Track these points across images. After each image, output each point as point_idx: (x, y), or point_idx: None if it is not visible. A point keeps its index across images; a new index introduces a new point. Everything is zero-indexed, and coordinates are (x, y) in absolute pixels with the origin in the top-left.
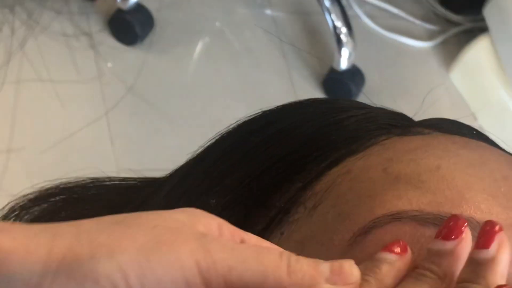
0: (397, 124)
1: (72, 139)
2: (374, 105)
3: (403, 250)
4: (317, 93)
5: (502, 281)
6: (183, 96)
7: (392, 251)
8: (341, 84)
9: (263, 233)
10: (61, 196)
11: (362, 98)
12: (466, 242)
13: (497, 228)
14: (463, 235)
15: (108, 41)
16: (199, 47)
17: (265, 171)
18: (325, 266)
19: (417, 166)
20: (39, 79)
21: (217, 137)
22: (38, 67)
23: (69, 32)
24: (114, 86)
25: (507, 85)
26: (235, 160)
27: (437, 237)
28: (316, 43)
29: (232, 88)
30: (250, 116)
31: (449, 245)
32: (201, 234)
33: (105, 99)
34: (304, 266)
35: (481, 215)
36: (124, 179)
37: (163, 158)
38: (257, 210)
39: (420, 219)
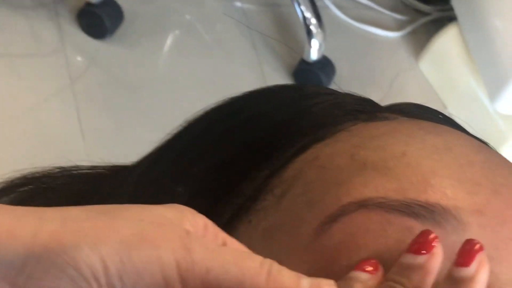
0: (364, 110)
1: (42, 133)
2: (342, 91)
3: (375, 269)
4: None
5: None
6: (154, 89)
7: (364, 270)
8: (311, 74)
9: (231, 221)
10: (29, 186)
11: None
12: (436, 257)
13: (477, 247)
14: (434, 250)
15: (77, 35)
16: (169, 40)
17: (233, 159)
18: (306, 282)
19: (383, 152)
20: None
21: (184, 125)
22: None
23: (37, 25)
24: (84, 80)
25: (475, 73)
26: (202, 148)
27: (408, 251)
28: (286, 35)
29: (203, 80)
30: (218, 103)
31: (419, 259)
32: (185, 232)
33: (75, 94)
34: (285, 278)
35: (447, 201)
36: (92, 167)
37: (134, 151)
38: (225, 198)
39: (386, 206)
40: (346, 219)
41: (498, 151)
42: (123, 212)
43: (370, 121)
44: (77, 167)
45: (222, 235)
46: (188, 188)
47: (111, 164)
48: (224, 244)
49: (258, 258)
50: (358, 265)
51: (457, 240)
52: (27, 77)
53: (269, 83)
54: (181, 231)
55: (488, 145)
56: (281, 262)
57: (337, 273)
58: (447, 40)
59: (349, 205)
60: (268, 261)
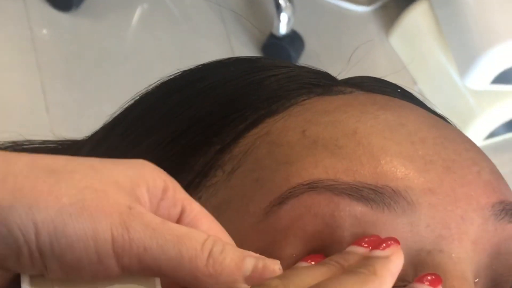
0: (319, 83)
1: (6, 106)
2: (298, 64)
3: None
4: None
5: (391, 279)
6: (120, 62)
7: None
8: (280, 49)
9: None
10: None
11: (301, 63)
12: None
13: (394, 239)
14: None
15: (42, 7)
16: (137, 13)
17: (183, 132)
18: (249, 263)
19: (334, 129)
20: None
21: (135, 98)
22: None
23: None
24: (49, 52)
25: (445, 49)
26: (153, 122)
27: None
28: (255, 9)
29: (170, 55)
30: (170, 76)
31: (361, 250)
32: (127, 207)
33: (40, 66)
34: (227, 259)
35: (397, 182)
36: (43, 142)
37: (99, 125)
38: (174, 174)
39: (335, 189)
40: (294, 201)
41: (467, 126)
42: (71, 174)
43: (325, 95)
44: (30, 142)
45: (183, 199)
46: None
47: (63, 139)
48: (183, 210)
49: (201, 238)
50: (305, 259)
51: (407, 222)
52: None
53: None
54: (124, 205)
55: (446, 120)
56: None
57: (283, 258)
58: (418, 15)
59: (298, 186)
60: (210, 241)
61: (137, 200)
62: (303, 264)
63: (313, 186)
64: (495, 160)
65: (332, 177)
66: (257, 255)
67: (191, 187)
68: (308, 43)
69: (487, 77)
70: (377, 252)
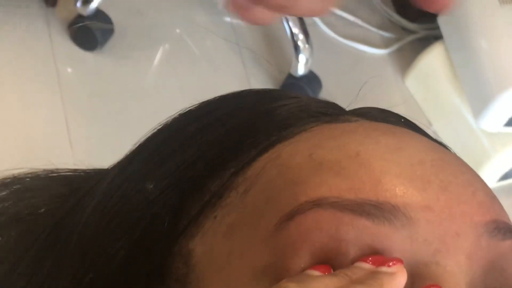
0: (326, 112)
1: (31, 141)
2: (307, 96)
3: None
4: None
5: None
6: (142, 101)
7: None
8: (298, 89)
9: (198, 217)
10: (9, 188)
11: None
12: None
13: (400, 260)
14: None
15: (68, 46)
16: (159, 53)
17: (201, 157)
18: None
19: (339, 152)
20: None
21: (157, 127)
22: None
23: (28, 35)
24: (73, 90)
25: (460, 91)
26: (173, 148)
27: (362, 260)
28: (274, 50)
29: (190, 93)
30: (189, 107)
31: (367, 266)
32: None
33: (64, 103)
34: None
35: (396, 199)
36: (72, 170)
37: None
38: (192, 195)
39: (339, 205)
40: (301, 217)
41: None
42: None
43: (332, 123)
44: (57, 170)
45: None
46: (158, 184)
47: (90, 168)
48: None
49: None
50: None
51: (406, 235)
52: (17, 86)
53: None
54: None
55: (445, 147)
56: (242, 256)
57: (293, 270)
58: (433, 58)
59: (305, 204)
60: None
61: None
62: (312, 272)
63: (318, 203)
64: (508, 201)
65: (335, 195)
66: None
67: (208, 207)
68: (326, 84)
69: (501, 120)
70: (384, 268)
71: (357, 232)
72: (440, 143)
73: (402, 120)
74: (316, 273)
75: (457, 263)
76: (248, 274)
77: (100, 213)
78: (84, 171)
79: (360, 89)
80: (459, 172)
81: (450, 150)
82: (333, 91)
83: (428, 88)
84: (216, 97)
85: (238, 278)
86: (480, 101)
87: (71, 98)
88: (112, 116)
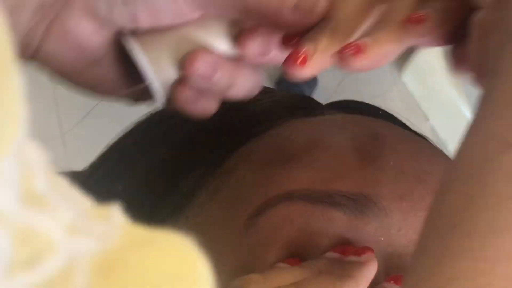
0: (301, 107)
1: None
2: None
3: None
4: None
5: (365, 283)
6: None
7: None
8: (293, 85)
9: (169, 218)
10: None
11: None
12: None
13: (369, 248)
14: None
15: None
16: None
17: (171, 157)
18: None
19: (310, 145)
20: None
21: (129, 128)
22: None
23: None
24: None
25: (457, 85)
26: (143, 149)
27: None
28: None
29: None
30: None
31: (337, 256)
32: None
33: (56, 100)
34: None
35: (369, 190)
36: None
37: None
38: (163, 196)
39: (310, 198)
40: (271, 211)
41: None
42: None
43: (306, 117)
44: None
45: None
46: (129, 186)
47: (65, 170)
48: None
49: None
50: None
51: (379, 226)
52: None
53: None
54: None
55: (426, 139)
56: (214, 257)
57: (265, 267)
58: (430, 53)
59: (274, 198)
60: None
61: None
62: (282, 265)
63: (288, 197)
64: None
65: (306, 187)
66: None
67: (179, 207)
68: (322, 80)
69: None
70: (353, 258)
71: (328, 224)
72: (419, 135)
73: (380, 112)
74: (286, 265)
75: None
76: (220, 276)
77: None
78: (65, 173)
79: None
80: (435, 162)
81: (428, 141)
82: (329, 87)
83: (425, 83)
84: None
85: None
86: (477, 95)
87: (63, 94)
88: (105, 112)
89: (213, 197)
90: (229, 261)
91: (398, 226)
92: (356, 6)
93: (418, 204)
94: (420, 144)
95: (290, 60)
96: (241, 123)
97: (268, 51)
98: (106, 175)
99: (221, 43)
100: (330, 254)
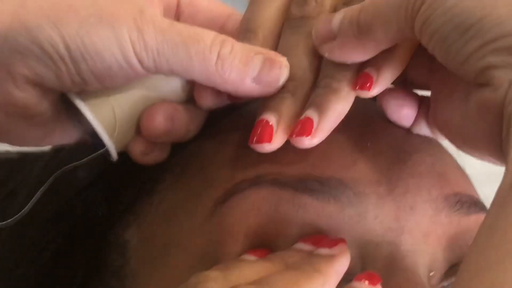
0: None
1: None
2: None
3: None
4: None
5: (336, 278)
6: None
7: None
8: None
9: (134, 203)
10: None
11: None
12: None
13: (341, 240)
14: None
15: None
16: None
17: None
18: (257, 61)
19: None
20: None
21: None
22: None
23: None
24: None
25: None
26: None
27: (302, 241)
28: None
29: None
30: None
31: (307, 247)
32: (139, 11)
33: None
34: (236, 60)
35: (343, 173)
36: (14, 153)
37: None
38: (127, 181)
39: (279, 182)
40: (239, 197)
41: None
42: None
43: None
44: (7, 152)
45: None
46: (90, 171)
47: (32, 151)
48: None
49: (208, 39)
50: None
51: (354, 213)
52: None
53: None
54: (136, 9)
55: None
56: (178, 245)
57: (229, 257)
58: None
59: (241, 182)
60: (218, 42)
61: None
62: (247, 257)
63: (256, 182)
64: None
65: (276, 171)
66: (266, 50)
67: (143, 192)
68: None
69: None
70: (323, 250)
71: (299, 211)
72: None
73: None
74: (251, 258)
75: (413, 242)
76: (184, 266)
77: (32, 202)
78: (25, 153)
79: None
80: (417, 142)
81: None
82: None
83: None
84: None
85: (174, 271)
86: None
87: None
88: None
89: (178, 180)
90: (193, 252)
91: (374, 212)
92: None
93: (397, 188)
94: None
95: (256, 139)
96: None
97: (223, 102)
98: (68, 157)
99: (176, 97)
100: (300, 246)
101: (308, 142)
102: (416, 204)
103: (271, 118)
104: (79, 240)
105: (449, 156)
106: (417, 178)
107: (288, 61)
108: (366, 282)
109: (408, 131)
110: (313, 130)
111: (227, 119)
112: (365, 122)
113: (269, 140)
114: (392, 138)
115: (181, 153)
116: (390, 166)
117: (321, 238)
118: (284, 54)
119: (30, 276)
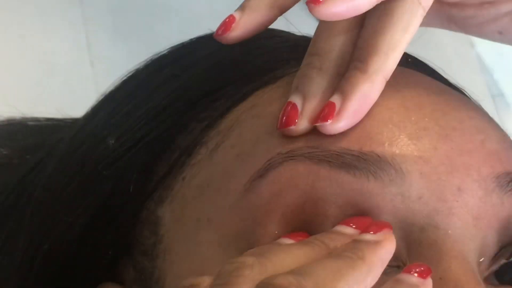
0: None
1: (51, 59)
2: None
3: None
4: None
5: (381, 266)
6: (168, 19)
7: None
8: None
9: (166, 178)
10: None
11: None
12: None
13: (387, 224)
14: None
15: None
16: None
17: (169, 108)
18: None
19: None
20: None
21: (127, 74)
22: None
23: None
24: (95, 6)
25: None
26: (140, 99)
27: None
28: None
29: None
30: (161, 51)
31: (349, 230)
32: None
33: (86, 20)
34: None
35: (383, 149)
36: (48, 119)
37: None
38: (160, 152)
39: (315, 156)
40: (274, 173)
41: None
42: None
43: None
44: (36, 119)
45: None
46: (121, 140)
47: (67, 117)
48: None
49: None
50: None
51: (396, 192)
52: (34, 3)
53: None
54: None
55: (460, 91)
56: (210, 223)
57: (265, 238)
58: None
59: (277, 156)
60: None
61: None
62: (285, 240)
63: (292, 155)
64: None
65: (311, 145)
66: None
67: (176, 166)
68: None
69: None
70: (367, 236)
71: (336, 188)
72: (454, 87)
73: (409, 59)
74: (289, 241)
75: (462, 225)
76: (217, 245)
77: (60, 173)
78: (61, 120)
79: None
80: (466, 118)
81: (464, 94)
82: None
83: None
84: (192, 38)
85: (206, 250)
86: None
87: (92, 15)
88: (136, 34)
89: (212, 154)
90: (226, 230)
91: (418, 192)
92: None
93: (443, 166)
94: (451, 97)
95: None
96: (249, 70)
97: None
98: (99, 128)
99: None
100: (342, 228)
101: (331, 127)
102: (465, 184)
103: (296, 100)
104: (109, 216)
105: (501, 132)
106: (465, 157)
107: (316, 37)
108: (416, 275)
109: (454, 105)
110: (335, 113)
111: (264, 92)
112: (410, 96)
113: (294, 123)
114: (439, 113)
115: (215, 127)
116: (435, 143)
117: (365, 220)
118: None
119: (57, 253)
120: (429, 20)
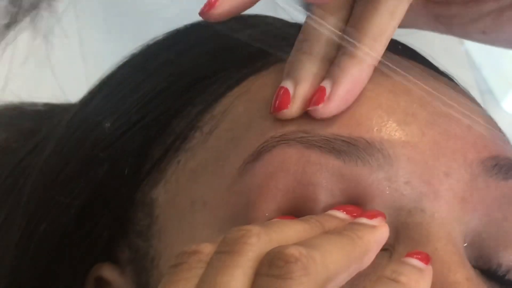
0: None
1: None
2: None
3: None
4: None
5: (376, 249)
6: (160, 13)
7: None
8: None
9: (161, 161)
10: None
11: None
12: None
13: (381, 213)
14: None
15: None
16: None
17: (164, 92)
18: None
19: None
20: None
21: (124, 59)
22: None
23: None
24: (87, 1)
25: None
26: (136, 82)
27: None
28: None
29: None
30: (157, 37)
31: (342, 215)
32: None
33: (77, 16)
34: None
35: (372, 134)
36: (45, 104)
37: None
38: (155, 136)
39: (306, 141)
40: (267, 156)
41: None
42: None
43: None
44: (33, 104)
45: None
46: (117, 124)
47: (63, 103)
48: None
49: None
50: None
51: (384, 177)
52: None
53: None
54: None
55: (450, 78)
56: (205, 205)
57: (257, 219)
58: None
59: (270, 140)
60: None
61: None
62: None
63: (284, 139)
64: None
65: (303, 129)
66: None
67: (171, 150)
68: None
69: None
70: (364, 220)
71: (326, 173)
72: (444, 74)
73: (400, 46)
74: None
75: (448, 208)
76: (211, 226)
77: (57, 156)
78: (58, 105)
79: None
80: (454, 103)
81: (454, 81)
82: None
83: None
84: (187, 24)
85: (201, 231)
86: None
87: (84, 10)
88: (129, 31)
89: (207, 139)
90: (220, 212)
91: (405, 177)
92: None
93: (430, 151)
94: (438, 83)
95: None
96: (243, 56)
97: None
98: (95, 112)
99: None
100: (334, 213)
101: (322, 111)
102: (451, 169)
103: (288, 84)
104: (104, 198)
105: (487, 117)
106: (451, 142)
107: (306, 23)
108: (416, 257)
109: (443, 91)
110: (325, 97)
111: (258, 77)
112: (400, 84)
113: (287, 107)
114: (426, 100)
115: (210, 111)
116: (422, 128)
117: (357, 208)
118: (308, 19)
119: (53, 233)
120: (416, 20)
